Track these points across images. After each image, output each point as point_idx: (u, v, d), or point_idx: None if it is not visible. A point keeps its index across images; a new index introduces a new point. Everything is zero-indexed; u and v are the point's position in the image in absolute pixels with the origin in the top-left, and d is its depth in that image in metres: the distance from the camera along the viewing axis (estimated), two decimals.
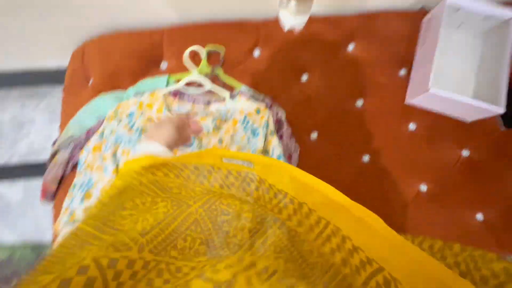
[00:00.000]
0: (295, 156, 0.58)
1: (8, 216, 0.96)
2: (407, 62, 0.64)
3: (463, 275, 0.25)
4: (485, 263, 0.26)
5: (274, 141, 0.54)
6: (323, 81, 0.65)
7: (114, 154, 0.56)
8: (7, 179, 0.98)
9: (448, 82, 0.60)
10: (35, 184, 0.96)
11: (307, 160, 0.60)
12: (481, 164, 0.60)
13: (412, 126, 0.63)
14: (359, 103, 0.64)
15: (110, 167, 0.57)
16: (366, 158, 0.61)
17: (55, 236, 0.62)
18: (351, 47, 0.66)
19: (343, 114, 0.63)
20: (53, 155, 0.63)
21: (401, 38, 0.65)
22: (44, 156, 0.98)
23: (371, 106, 0.63)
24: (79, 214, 0.57)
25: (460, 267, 0.26)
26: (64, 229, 0.59)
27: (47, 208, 0.92)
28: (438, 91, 0.53)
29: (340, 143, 0.62)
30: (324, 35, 0.65)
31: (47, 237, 0.94)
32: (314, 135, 0.62)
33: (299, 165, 0.60)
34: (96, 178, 0.58)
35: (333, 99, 0.64)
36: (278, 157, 0.54)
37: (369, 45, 0.65)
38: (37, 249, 0.93)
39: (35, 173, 0.97)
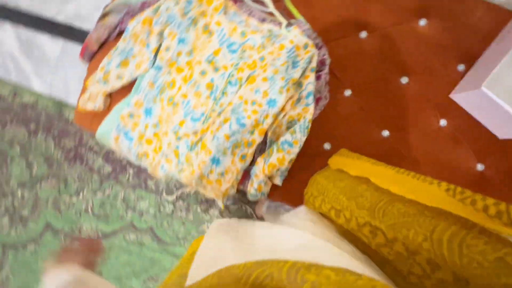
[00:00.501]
0: (322, 103, 0.59)
1: (42, 67, 1.02)
2: (471, 58, 0.61)
3: None
4: None
5: (311, 77, 0.55)
6: (378, 44, 0.62)
7: (161, 33, 0.58)
8: (49, 33, 1.02)
9: (503, 90, 0.58)
10: (74, 47, 1.00)
11: (332, 113, 0.62)
12: (491, 184, 0.61)
13: (443, 122, 0.62)
14: (404, 80, 0.62)
15: (153, 45, 0.59)
16: (385, 133, 0.62)
17: (83, 91, 0.67)
18: (422, 22, 0.62)
19: (384, 83, 0.62)
20: (104, 16, 0.65)
21: (478, 31, 0.61)
22: (87, 25, 1.00)
23: (413, 87, 0.62)
24: (113, 76, 0.61)
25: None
26: (94, 86, 0.63)
27: (78, 72, 0.98)
28: (489, 92, 0.51)
29: (368, 109, 0.62)
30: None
31: (71, 99, 1.01)
32: (347, 93, 0.62)
33: (321, 115, 0.61)
34: (137, 50, 0.61)
35: (381, 65, 0.62)
36: (309, 94, 0.55)
37: (442, 26, 0.61)
38: (59, 105, 1.00)
39: (76, 38, 1.01)
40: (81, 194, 0.99)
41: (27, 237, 0.99)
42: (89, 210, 0.98)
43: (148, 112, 0.59)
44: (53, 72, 1.03)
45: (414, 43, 0.62)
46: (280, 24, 0.58)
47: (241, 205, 0.96)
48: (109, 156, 0.99)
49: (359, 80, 0.62)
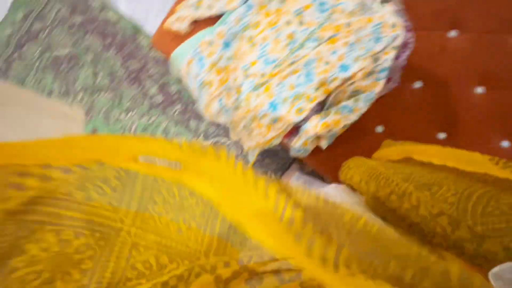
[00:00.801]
0: (391, 85, 0.60)
1: None
2: None
3: None
4: None
5: (391, 54, 0.56)
6: (465, 47, 0.61)
7: None
8: None
9: None
10: None
11: (395, 99, 0.62)
12: None
13: (505, 143, 0.60)
14: (479, 90, 0.61)
15: None
16: (442, 135, 0.62)
17: (171, 13, 0.73)
18: None
19: (457, 88, 0.61)
20: None
21: None
22: None
23: (488, 98, 0.60)
24: (205, 5, 0.65)
25: None
26: (184, 10, 0.68)
27: (158, 5, 1.05)
28: None
29: (432, 107, 0.62)
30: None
31: (147, 27, 1.08)
32: (417, 85, 0.62)
33: (384, 97, 0.62)
34: None
35: (460, 68, 0.61)
36: (383, 69, 0.56)
37: None
38: (135, 30, 1.08)
39: None
40: (130, 113, 1.07)
41: None
42: (132, 129, 1.07)
43: (227, 44, 0.63)
44: (138, 0, 1.11)
45: (503, 55, 0.60)
46: None
47: (268, 171, 0.99)
48: (164, 87, 1.06)
49: (433, 77, 0.62)
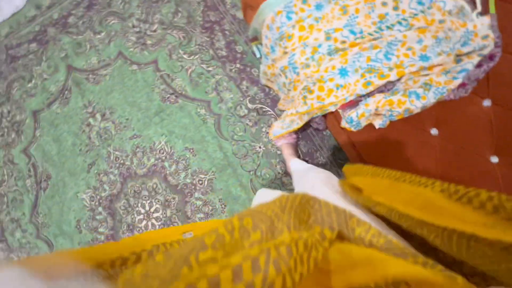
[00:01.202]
0: (460, 93, 0.60)
1: None
2: None
3: None
4: None
5: (474, 60, 0.57)
6: None
7: None
8: None
9: None
10: None
11: (459, 107, 0.62)
12: None
13: None
14: None
15: None
16: (494, 159, 0.61)
17: None
18: None
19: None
20: None
21: None
22: None
23: None
24: None
25: None
26: None
27: None
28: None
29: (495, 128, 0.61)
30: None
31: None
32: (486, 103, 0.62)
33: (449, 103, 0.62)
34: None
35: None
36: (463, 70, 0.57)
37: None
38: None
39: None
40: (192, 56, 1.14)
41: (136, 59, 1.18)
42: (189, 71, 1.13)
43: (319, 6, 0.67)
44: None
45: None
46: (475, 5, 0.61)
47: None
48: (231, 44, 1.12)
49: (506, 101, 0.62)
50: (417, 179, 0.35)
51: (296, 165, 0.86)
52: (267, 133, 1.04)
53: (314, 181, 0.54)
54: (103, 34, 1.21)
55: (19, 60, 1.24)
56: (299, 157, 1.00)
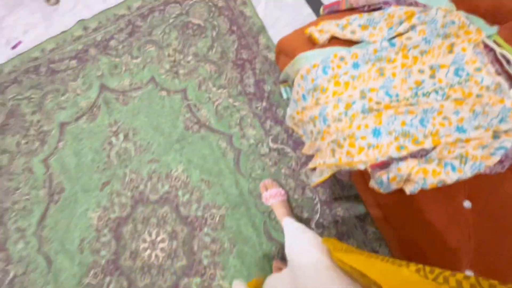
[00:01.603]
0: (495, 169, 0.59)
1: (272, 0, 1.26)
2: None
3: None
4: None
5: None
6: None
7: (414, 26, 0.67)
8: None
9: None
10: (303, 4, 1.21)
11: (495, 182, 0.60)
12: None
13: None
14: None
15: (398, 30, 0.69)
16: None
17: (315, 23, 0.82)
18: None
19: None
20: None
21: None
22: None
23: None
24: (350, 29, 0.73)
25: None
26: (330, 25, 0.77)
27: (287, 18, 1.18)
28: None
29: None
30: None
31: (272, 31, 1.21)
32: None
33: (485, 178, 0.60)
34: (381, 25, 0.71)
35: None
36: (501, 148, 0.55)
37: None
38: (261, 29, 1.22)
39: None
40: (220, 90, 1.17)
41: (166, 86, 1.22)
42: (216, 103, 1.16)
43: (356, 65, 0.69)
44: (273, 6, 1.27)
45: None
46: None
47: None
48: (260, 82, 1.16)
49: None
50: (390, 259, 0.37)
51: (287, 226, 0.83)
52: (286, 174, 1.03)
53: (302, 243, 0.61)
54: (139, 59, 1.28)
55: (58, 73, 1.31)
56: (292, 211, 0.97)
